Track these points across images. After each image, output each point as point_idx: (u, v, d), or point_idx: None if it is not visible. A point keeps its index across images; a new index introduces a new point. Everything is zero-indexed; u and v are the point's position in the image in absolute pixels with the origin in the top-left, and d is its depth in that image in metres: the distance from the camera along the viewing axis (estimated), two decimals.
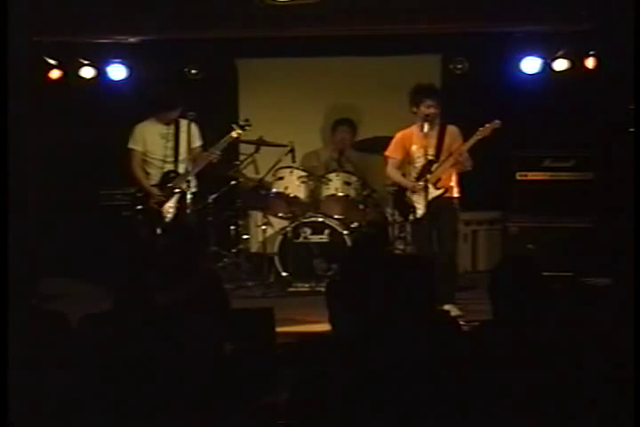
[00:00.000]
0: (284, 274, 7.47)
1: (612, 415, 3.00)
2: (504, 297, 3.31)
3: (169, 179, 7.12)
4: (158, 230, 6.83)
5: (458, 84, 8.26)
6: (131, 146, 7.17)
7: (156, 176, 7.17)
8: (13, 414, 3.26)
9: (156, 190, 7.10)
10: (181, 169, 7.12)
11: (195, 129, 7.12)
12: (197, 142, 7.18)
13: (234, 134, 7.12)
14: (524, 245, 7.67)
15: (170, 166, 7.14)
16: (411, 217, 6.66)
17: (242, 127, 7.15)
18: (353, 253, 4.86)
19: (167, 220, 7.05)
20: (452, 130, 6.69)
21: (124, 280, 3.76)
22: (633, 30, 5.97)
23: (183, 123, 7.09)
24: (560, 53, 7.76)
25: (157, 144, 7.15)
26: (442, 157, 6.60)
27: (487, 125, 6.51)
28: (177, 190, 7.06)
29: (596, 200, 7.62)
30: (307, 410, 2.92)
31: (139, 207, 7.13)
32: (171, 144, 7.14)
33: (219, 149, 7.03)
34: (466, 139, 6.60)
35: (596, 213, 7.61)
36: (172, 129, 7.15)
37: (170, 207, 7.09)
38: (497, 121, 6.51)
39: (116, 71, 8.12)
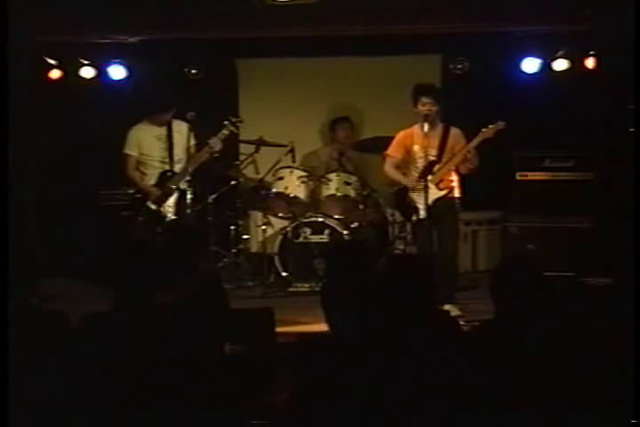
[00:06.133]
0: (283, 274, 7.47)
1: (612, 415, 3.00)
2: (504, 297, 3.31)
3: (166, 178, 7.14)
4: (158, 230, 6.84)
5: (458, 84, 8.25)
6: (126, 151, 7.18)
7: (153, 177, 7.19)
8: (13, 414, 3.26)
9: (154, 190, 7.12)
10: (177, 169, 7.14)
11: (186, 128, 7.13)
12: (191, 141, 7.20)
13: (226, 131, 7.13)
14: (523, 245, 7.66)
15: (167, 166, 7.17)
16: (414, 217, 6.64)
17: (234, 124, 7.16)
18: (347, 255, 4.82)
19: (167, 219, 7.07)
20: (455, 132, 6.67)
21: (124, 280, 3.75)
22: (633, 30, 5.96)
23: (175, 123, 7.14)
24: (560, 53, 7.76)
25: (153, 146, 7.18)
26: (444, 159, 6.59)
27: (491, 126, 6.50)
28: (174, 189, 7.08)
29: (596, 200, 7.61)
30: (307, 410, 2.92)
31: (138, 208, 7.15)
32: (165, 145, 7.17)
33: (214, 144, 7.05)
34: (468, 139, 6.59)
35: (596, 213, 7.60)
36: (164, 130, 7.17)
37: (169, 207, 7.11)
38: (501, 122, 6.49)
39: (116, 71, 8.13)
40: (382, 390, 2.91)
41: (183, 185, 7.07)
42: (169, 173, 7.15)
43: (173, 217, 7.07)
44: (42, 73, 7.80)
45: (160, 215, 7.09)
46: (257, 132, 7.67)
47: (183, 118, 7.13)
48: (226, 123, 7.14)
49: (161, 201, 7.11)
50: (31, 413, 3.34)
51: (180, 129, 7.14)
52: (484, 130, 6.50)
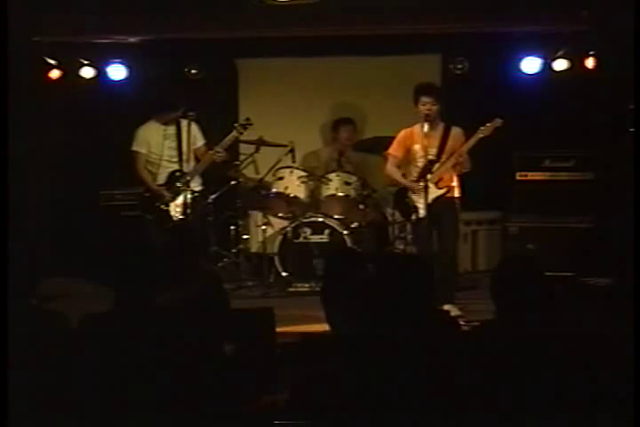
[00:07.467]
0: (284, 274, 7.47)
1: (612, 415, 3.00)
2: (504, 297, 3.31)
3: (175, 178, 7.16)
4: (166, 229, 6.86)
5: (458, 84, 8.25)
6: (134, 148, 7.21)
7: (162, 176, 7.21)
8: (13, 414, 3.26)
9: (163, 190, 7.14)
10: (186, 168, 7.16)
11: (196, 128, 7.18)
12: (200, 141, 7.25)
13: (236, 133, 7.16)
14: (523, 245, 7.67)
15: (175, 166, 7.20)
16: (413, 217, 6.65)
17: (243, 126, 7.19)
18: (347, 255, 4.82)
19: (175, 218, 7.08)
20: (457, 132, 6.67)
21: (125, 280, 3.75)
22: (633, 30, 5.97)
23: (184, 122, 7.15)
24: (560, 53, 7.76)
25: (161, 145, 7.21)
26: (443, 158, 6.59)
27: (488, 124, 6.50)
28: (183, 189, 7.09)
29: (596, 200, 7.61)
30: (307, 410, 2.92)
31: (147, 207, 7.17)
32: (174, 144, 7.20)
33: (222, 148, 7.10)
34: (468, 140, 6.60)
35: (596, 213, 7.61)
36: (173, 129, 7.19)
37: (177, 206, 7.12)
38: (498, 119, 6.50)
39: (116, 71, 8.12)
40: (382, 389, 2.91)
41: (192, 185, 7.10)
42: (178, 173, 7.17)
43: (181, 217, 7.09)
44: (42, 73, 7.80)
45: (168, 215, 7.11)
46: (257, 133, 7.67)
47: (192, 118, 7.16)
48: (236, 125, 7.18)
49: (169, 201, 7.13)
50: (31, 413, 3.33)
51: (189, 128, 7.15)
52: (481, 128, 6.51)
